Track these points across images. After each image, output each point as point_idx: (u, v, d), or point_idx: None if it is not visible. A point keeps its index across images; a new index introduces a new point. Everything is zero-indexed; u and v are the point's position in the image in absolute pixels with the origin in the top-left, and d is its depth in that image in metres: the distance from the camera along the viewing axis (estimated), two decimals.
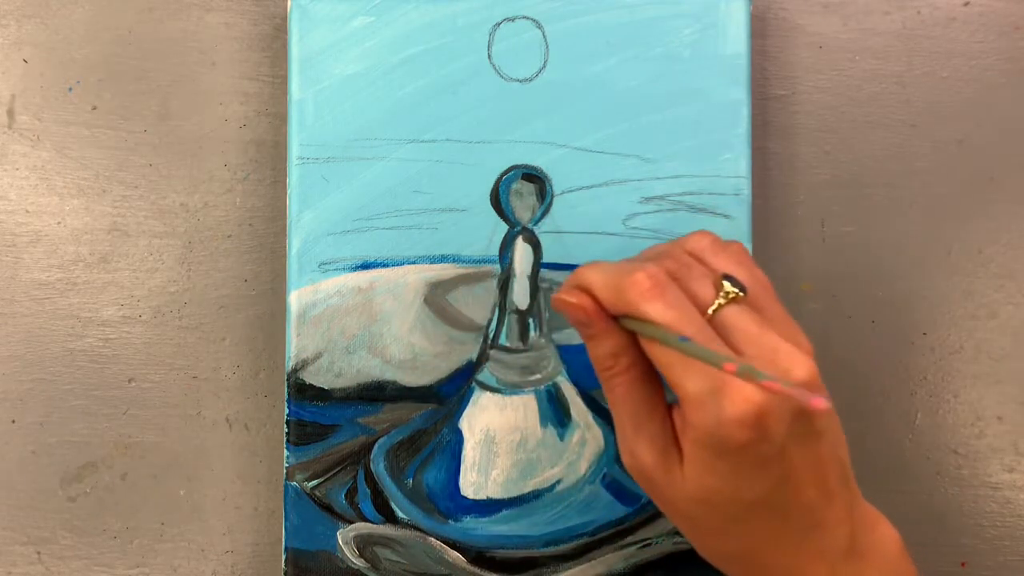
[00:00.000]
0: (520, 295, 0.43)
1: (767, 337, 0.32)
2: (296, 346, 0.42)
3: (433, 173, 0.43)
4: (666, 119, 0.43)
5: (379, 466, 0.42)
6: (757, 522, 0.33)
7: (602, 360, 0.34)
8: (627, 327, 0.33)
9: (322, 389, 0.42)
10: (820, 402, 0.28)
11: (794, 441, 0.32)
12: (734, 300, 0.33)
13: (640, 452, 0.34)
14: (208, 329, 0.45)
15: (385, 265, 0.43)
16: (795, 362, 0.31)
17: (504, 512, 0.42)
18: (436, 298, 0.43)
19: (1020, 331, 0.45)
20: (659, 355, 0.32)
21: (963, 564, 0.45)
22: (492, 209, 0.43)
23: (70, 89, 0.45)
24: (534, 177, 0.43)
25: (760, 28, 0.46)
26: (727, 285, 0.33)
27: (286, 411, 0.42)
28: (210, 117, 0.45)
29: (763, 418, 0.30)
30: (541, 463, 0.42)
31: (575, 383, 0.43)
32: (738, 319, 0.32)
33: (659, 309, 0.32)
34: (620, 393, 0.34)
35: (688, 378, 0.31)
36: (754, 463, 0.32)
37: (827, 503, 0.34)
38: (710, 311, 0.33)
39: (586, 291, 0.34)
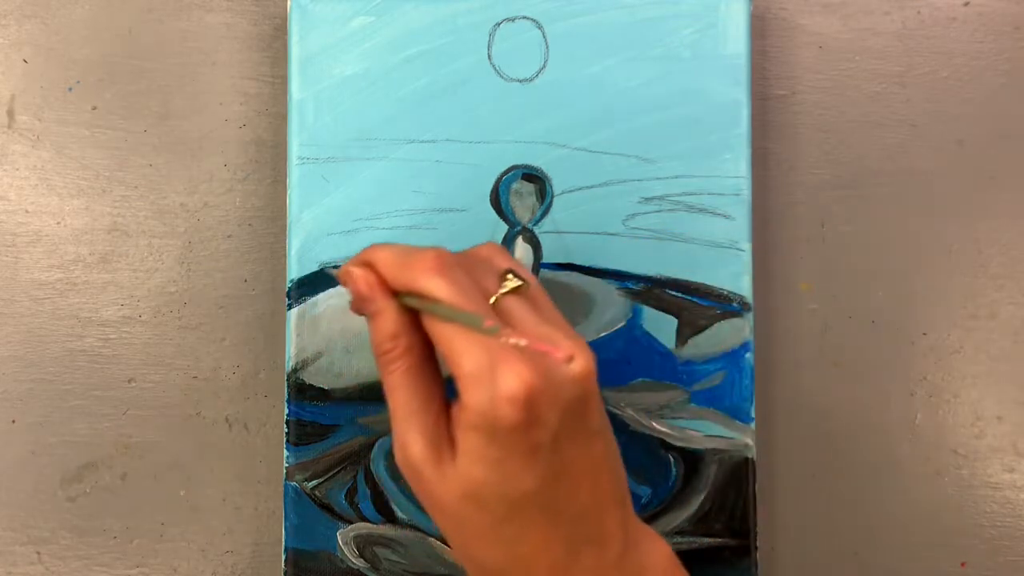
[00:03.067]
0: None
1: (545, 327, 0.32)
2: (296, 346, 0.42)
3: (433, 173, 0.43)
4: (666, 119, 0.43)
5: (379, 466, 0.42)
6: (527, 525, 0.32)
7: (381, 342, 0.33)
8: (408, 304, 0.33)
9: (322, 389, 0.42)
10: (559, 354, 0.30)
11: (568, 436, 0.32)
12: (516, 291, 0.33)
13: (411, 443, 0.33)
14: (208, 329, 0.45)
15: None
16: (574, 351, 0.32)
17: None
18: None
19: (1020, 331, 0.45)
20: (438, 333, 0.32)
21: (963, 564, 0.45)
22: (492, 209, 0.43)
23: (70, 89, 0.45)
24: (534, 177, 0.43)
25: (760, 28, 0.46)
26: (510, 276, 0.33)
27: (286, 411, 0.42)
28: (210, 117, 0.45)
29: (534, 398, 0.30)
30: None
31: None
32: (519, 308, 0.33)
33: (442, 285, 0.32)
34: (396, 379, 0.33)
35: (465, 355, 0.31)
36: (525, 450, 0.31)
37: (600, 514, 0.33)
38: (492, 299, 0.33)
39: (371, 267, 0.34)
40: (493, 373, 0.30)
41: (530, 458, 0.31)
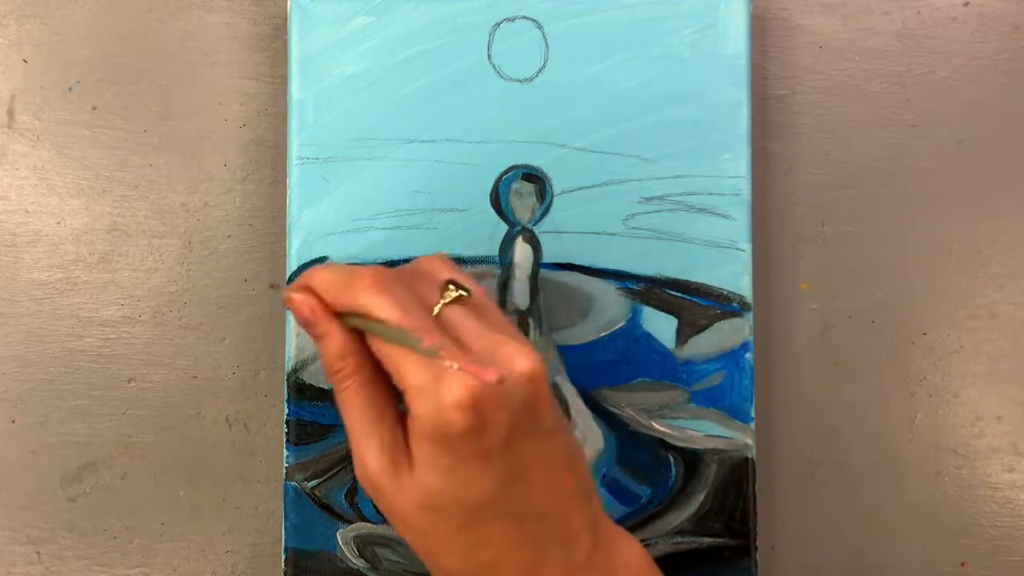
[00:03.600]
0: (520, 295, 0.43)
1: (489, 332, 0.32)
2: (296, 346, 0.42)
3: (433, 173, 0.43)
4: (666, 119, 0.43)
5: None
6: (490, 530, 0.32)
7: (331, 363, 0.34)
8: (351, 325, 0.33)
9: (322, 389, 0.42)
10: (488, 374, 0.30)
11: (521, 437, 0.32)
12: (458, 301, 0.33)
13: (368, 458, 0.33)
14: (208, 329, 0.45)
15: (385, 265, 0.43)
16: (518, 355, 0.32)
17: None
18: None
19: (1020, 331, 0.45)
20: (382, 351, 0.32)
21: (963, 564, 0.45)
22: (492, 209, 0.43)
23: (70, 89, 0.45)
24: (534, 177, 0.43)
25: (760, 28, 0.46)
26: (451, 287, 0.34)
27: (286, 411, 0.42)
28: (210, 117, 0.45)
29: (480, 403, 0.30)
30: None
31: (575, 383, 0.43)
32: (463, 318, 0.33)
33: (381, 302, 0.32)
34: (349, 397, 0.34)
35: (410, 370, 0.31)
36: (477, 456, 0.31)
37: (564, 514, 0.33)
38: (435, 310, 0.33)
39: (312, 291, 0.34)
40: (438, 383, 0.31)
41: (483, 463, 0.31)
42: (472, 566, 0.33)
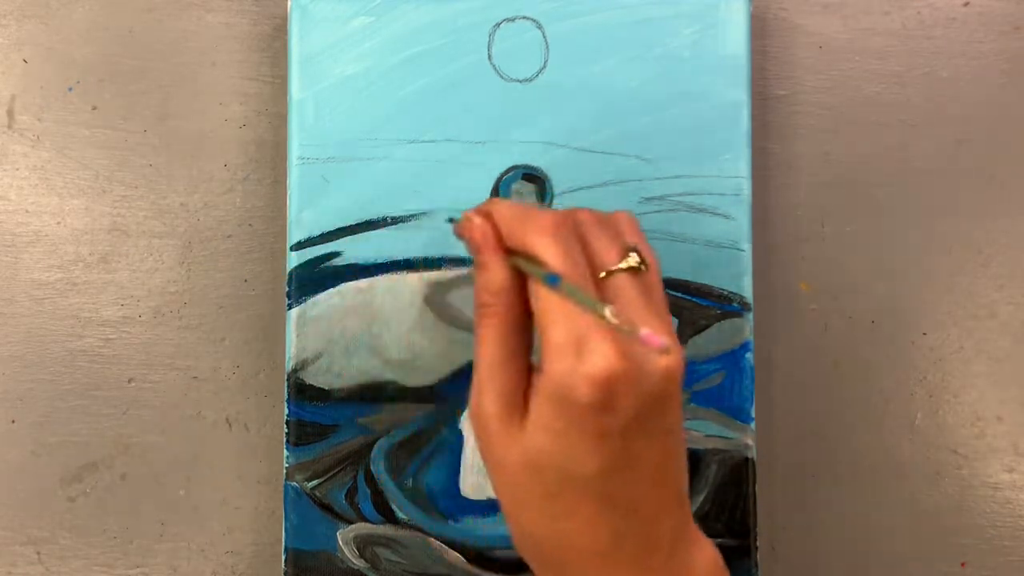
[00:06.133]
0: None
1: (648, 314, 0.32)
2: (296, 346, 0.42)
3: (433, 173, 0.43)
4: (666, 119, 0.43)
5: (379, 466, 0.42)
6: (578, 505, 0.32)
7: (483, 295, 0.33)
8: (517, 265, 0.33)
9: (322, 389, 0.42)
10: (655, 340, 0.29)
11: (640, 429, 0.31)
12: (632, 271, 0.33)
13: (486, 400, 0.33)
14: (208, 329, 0.45)
15: (385, 265, 0.43)
16: (669, 346, 0.31)
17: None
18: (436, 298, 0.43)
19: (1020, 331, 0.45)
20: (540, 299, 0.32)
21: (963, 564, 0.45)
22: None
23: (70, 89, 0.45)
24: (534, 177, 0.43)
25: (760, 28, 0.46)
26: (632, 255, 0.33)
27: (286, 411, 0.42)
28: (210, 117, 0.45)
29: (614, 383, 0.30)
30: None
31: None
32: (629, 289, 0.32)
33: (550, 248, 0.31)
34: (487, 334, 0.33)
35: (556, 326, 0.31)
36: (593, 432, 0.31)
37: (656, 513, 0.33)
38: (604, 273, 0.32)
39: (490, 218, 0.34)
40: (580, 349, 0.30)
41: (597, 441, 0.31)
42: (549, 532, 0.33)
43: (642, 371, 0.30)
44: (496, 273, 0.33)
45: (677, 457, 0.33)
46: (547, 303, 0.31)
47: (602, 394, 0.30)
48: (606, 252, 0.33)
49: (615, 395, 0.30)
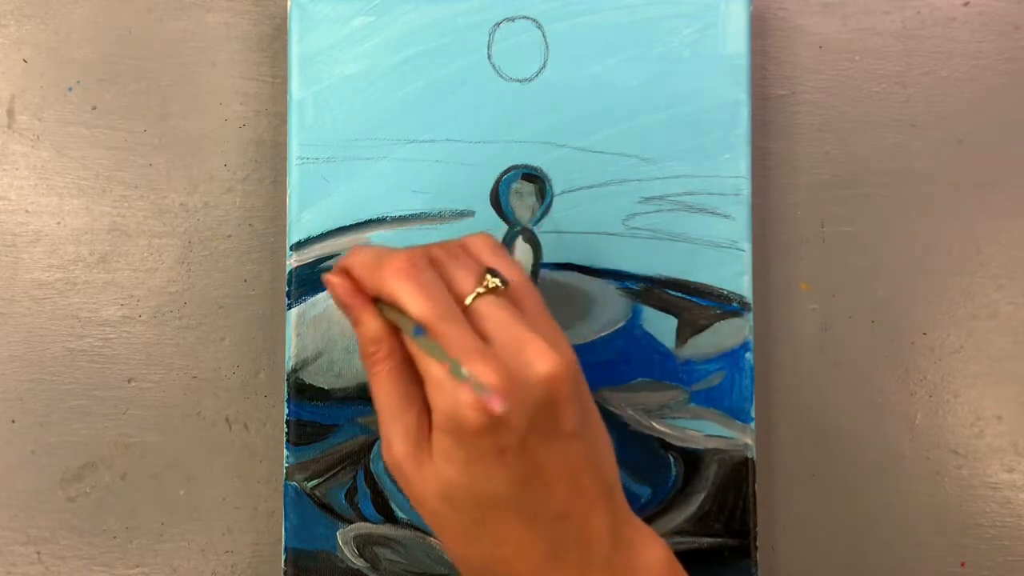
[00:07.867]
0: None
1: (518, 329, 0.32)
2: (296, 346, 0.42)
3: (433, 173, 0.43)
4: (666, 119, 0.43)
5: (379, 466, 0.42)
6: (503, 527, 0.32)
7: (365, 345, 0.34)
8: (386, 315, 0.33)
9: (322, 389, 0.42)
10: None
11: (538, 438, 0.32)
12: (494, 291, 0.33)
13: (394, 442, 0.33)
14: (208, 329, 0.45)
15: None
16: (541, 356, 0.31)
17: None
18: None
19: (1020, 331, 0.45)
20: (411, 343, 0.32)
21: (963, 564, 0.45)
22: (492, 209, 0.43)
23: (70, 89, 0.45)
24: (534, 177, 0.43)
25: (760, 28, 0.46)
26: (489, 277, 0.33)
27: (286, 411, 0.42)
28: (210, 117, 0.45)
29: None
30: None
31: None
32: (493, 309, 0.33)
33: (407, 290, 0.32)
34: (380, 380, 0.34)
35: (432, 361, 0.31)
36: (492, 453, 0.31)
37: (584, 515, 0.33)
38: (468, 299, 0.33)
39: (348, 273, 0.34)
40: (456, 379, 0.31)
41: (498, 460, 0.31)
42: (486, 559, 0.33)
43: (523, 384, 0.31)
44: (369, 326, 0.34)
45: (588, 456, 0.33)
46: (418, 345, 0.32)
47: (487, 416, 0.30)
48: (464, 280, 0.33)
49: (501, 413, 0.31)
